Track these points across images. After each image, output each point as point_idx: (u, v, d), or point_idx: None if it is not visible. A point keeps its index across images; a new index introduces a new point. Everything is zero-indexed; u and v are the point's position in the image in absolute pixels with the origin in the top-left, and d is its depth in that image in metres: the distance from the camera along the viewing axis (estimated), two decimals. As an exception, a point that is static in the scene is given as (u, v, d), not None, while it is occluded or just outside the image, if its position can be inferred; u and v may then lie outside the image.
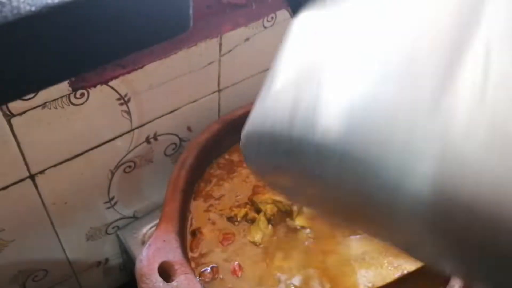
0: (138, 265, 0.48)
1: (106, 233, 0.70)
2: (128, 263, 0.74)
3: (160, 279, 0.47)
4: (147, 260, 0.48)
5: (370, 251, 0.56)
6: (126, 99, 0.56)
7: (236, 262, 0.55)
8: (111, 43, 0.23)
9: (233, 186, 0.61)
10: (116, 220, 0.70)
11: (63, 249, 0.66)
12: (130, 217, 0.71)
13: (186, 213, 0.57)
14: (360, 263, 0.56)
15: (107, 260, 0.75)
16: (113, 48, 0.23)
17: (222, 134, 0.63)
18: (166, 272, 0.48)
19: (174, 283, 0.47)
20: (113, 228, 0.70)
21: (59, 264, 0.68)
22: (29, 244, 0.61)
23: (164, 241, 0.50)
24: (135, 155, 0.63)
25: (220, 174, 0.62)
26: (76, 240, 0.67)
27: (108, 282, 0.79)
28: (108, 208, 0.67)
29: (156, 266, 0.48)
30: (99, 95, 0.53)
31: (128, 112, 0.57)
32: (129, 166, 0.64)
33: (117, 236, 0.71)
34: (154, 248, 0.49)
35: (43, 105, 0.49)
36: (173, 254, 0.50)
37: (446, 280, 0.54)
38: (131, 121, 0.59)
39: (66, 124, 0.53)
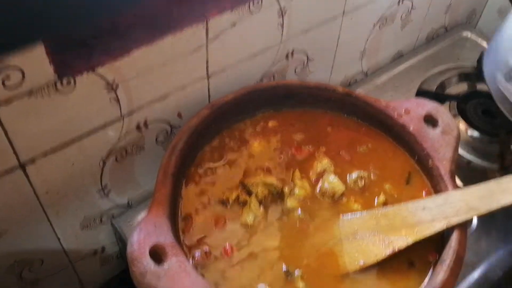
0: (129, 249, 0.48)
1: (101, 222, 0.70)
2: (124, 251, 0.74)
3: (151, 261, 0.47)
4: (138, 243, 0.48)
5: (361, 229, 0.57)
6: (114, 86, 0.56)
7: (228, 244, 0.55)
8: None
9: (224, 170, 0.62)
10: (111, 209, 0.70)
11: (58, 239, 0.66)
12: (125, 206, 0.72)
13: (177, 198, 0.58)
14: (351, 241, 0.56)
15: (103, 248, 0.75)
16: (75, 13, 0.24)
17: (212, 119, 0.63)
18: (157, 255, 0.49)
19: (165, 265, 0.48)
20: (107, 217, 0.71)
21: (55, 253, 0.68)
22: (23, 234, 0.61)
23: (155, 225, 0.51)
24: (126, 143, 0.63)
25: (211, 159, 0.63)
26: (70, 229, 0.67)
27: (105, 271, 0.79)
28: (102, 197, 0.67)
29: (147, 249, 0.48)
30: (86, 82, 0.53)
31: (117, 100, 0.58)
32: (121, 154, 0.64)
33: (112, 224, 0.71)
34: (145, 231, 0.50)
35: (29, 93, 0.49)
36: (164, 237, 0.50)
37: (437, 255, 0.55)
38: (120, 108, 0.59)
39: (54, 112, 0.53)
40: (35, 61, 0.48)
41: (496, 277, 0.67)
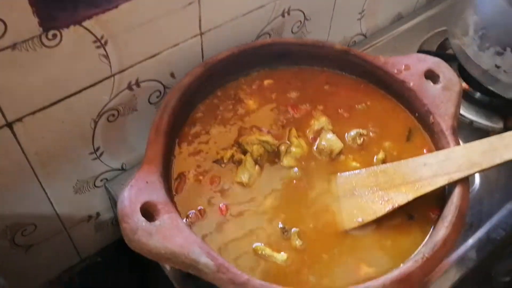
0: (119, 205, 0.47)
1: (95, 186, 0.69)
2: (119, 217, 0.73)
3: (142, 218, 0.46)
4: (129, 200, 0.47)
5: (359, 187, 0.55)
6: (102, 41, 0.54)
7: (223, 203, 0.54)
8: None
9: (219, 130, 0.60)
10: (104, 172, 0.68)
11: (51, 203, 0.65)
12: (118, 169, 0.70)
13: (170, 157, 0.56)
14: (349, 199, 0.55)
15: (98, 214, 0.74)
16: None
17: (206, 77, 0.61)
18: (149, 213, 0.47)
19: (157, 222, 0.46)
20: (101, 180, 0.69)
21: (48, 218, 0.66)
22: (14, 197, 0.60)
23: (147, 182, 0.49)
24: (118, 103, 0.61)
25: (205, 118, 0.61)
26: (63, 193, 0.66)
27: (100, 238, 0.78)
28: (94, 159, 0.65)
29: (138, 206, 0.47)
30: (73, 36, 0.51)
31: (106, 56, 0.55)
32: (113, 115, 0.62)
33: (106, 188, 0.70)
34: (136, 188, 0.48)
35: (13, 46, 0.47)
36: (156, 194, 0.48)
37: (439, 212, 0.54)
38: (110, 65, 0.57)
39: (41, 67, 0.51)
40: (18, 12, 0.46)
41: (499, 237, 0.66)
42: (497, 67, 0.71)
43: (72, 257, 0.77)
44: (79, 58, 0.53)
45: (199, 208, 0.53)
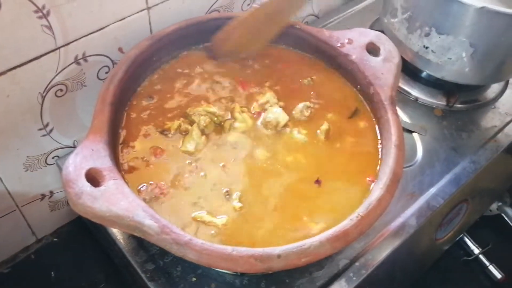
0: (64, 171, 0.47)
1: (46, 163, 0.69)
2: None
3: (87, 183, 0.47)
4: (74, 166, 0.48)
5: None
6: (44, 12, 0.54)
7: (163, 181, 0.55)
8: None
9: (167, 102, 0.61)
10: (55, 150, 0.69)
11: (0, 179, 0.65)
12: (70, 147, 0.70)
13: (117, 127, 0.57)
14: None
15: (51, 193, 0.73)
16: None
17: (154, 50, 0.62)
18: (94, 179, 0.48)
19: (102, 187, 0.47)
20: (53, 158, 0.69)
21: (-2, 195, 0.67)
22: (-39, 172, 0.60)
23: (92, 150, 0.50)
24: (66, 77, 0.62)
25: (154, 90, 0.62)
26: (13, 170, 0.65)
27: (56, 218, 0.78)
28: (44, 135, 0.65)
29: (83, 172, 0.47)
30: (12, 4, 0.51)
31: (50, 28, 0.56)
32: (60, 89, 0.62)
33: (58, 166, 0.70)
34: (81, 156, 0.49)
35: (-49, 13, 0.47)
36: (101, 161, 0.49)
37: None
38: (54, 38, 0.57)
39: (-19, 36, 0.51)
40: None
41: (438, 205, 0.69)
42: (426, 47, 0.74)
43: (27, 237, 0.77)
44: (21, 28, 0.53)
45: (150, 182, 0.54)
